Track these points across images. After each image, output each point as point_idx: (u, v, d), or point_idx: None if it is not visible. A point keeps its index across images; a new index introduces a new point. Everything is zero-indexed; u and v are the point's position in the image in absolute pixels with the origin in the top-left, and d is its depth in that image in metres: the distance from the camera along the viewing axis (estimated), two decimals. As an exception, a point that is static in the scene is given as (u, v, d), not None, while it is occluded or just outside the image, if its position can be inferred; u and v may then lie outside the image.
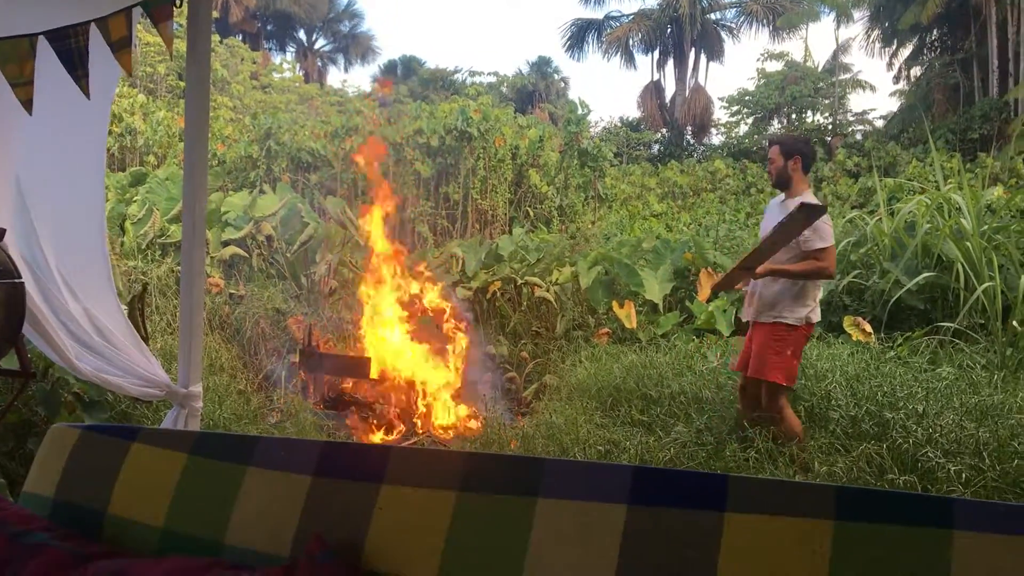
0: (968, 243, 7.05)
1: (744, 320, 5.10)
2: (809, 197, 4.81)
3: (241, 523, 1.50)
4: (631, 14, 37.72)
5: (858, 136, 27.12)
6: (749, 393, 4.96)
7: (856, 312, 7.22)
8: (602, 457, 4.85)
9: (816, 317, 4.78)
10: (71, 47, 2.75)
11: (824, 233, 4.60)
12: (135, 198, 10.46)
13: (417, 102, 19.85)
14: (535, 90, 42.57)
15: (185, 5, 3.17)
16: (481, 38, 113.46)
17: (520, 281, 8.66)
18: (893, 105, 32.26)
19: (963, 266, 6.87)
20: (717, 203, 20.46)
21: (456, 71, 44.04)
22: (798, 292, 4.70)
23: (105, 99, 3.28)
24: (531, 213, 15.18)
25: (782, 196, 4.97)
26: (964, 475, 4.05)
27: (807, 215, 4.50)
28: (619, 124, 34.15)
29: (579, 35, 38.80)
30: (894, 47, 28.36)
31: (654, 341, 7.40)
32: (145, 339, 4.55)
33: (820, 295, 4.85)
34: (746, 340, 5.10)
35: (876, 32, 28.42)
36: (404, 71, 46.04)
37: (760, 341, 4.83)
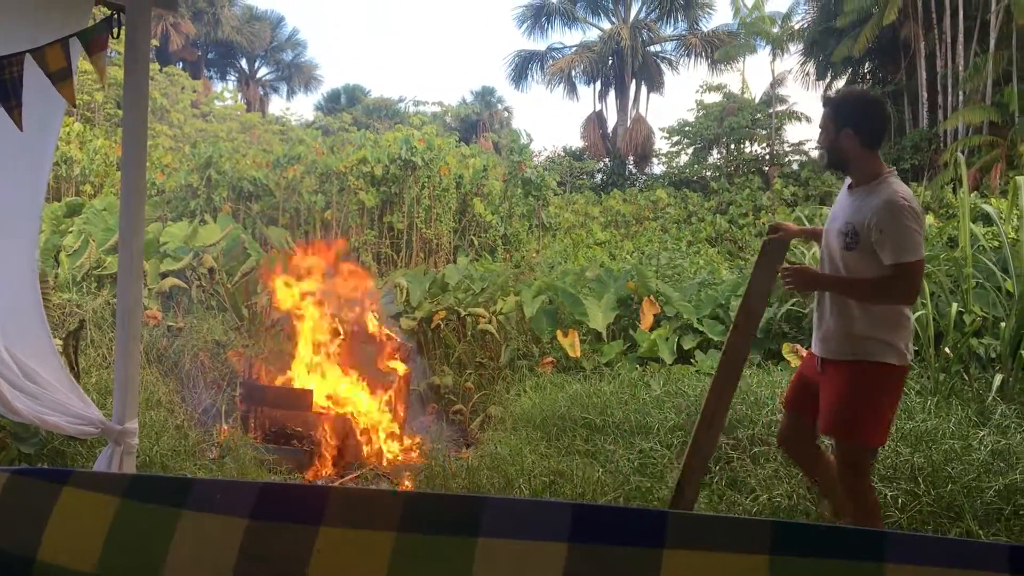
0: (900, 271, 7.22)
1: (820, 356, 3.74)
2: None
3: (176, 568, 1.46)
4: (573, 46, 38.33)
5: (795, 166, 27.74)
6: (803, 448, 3.89)
7: (794, 339, 7.35)
8: (547, 488, 4.85)
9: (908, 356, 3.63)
10: (3, 78, 2.70)
11: (910, 237, 3.35)
12: (71, 229, 10.22)
13: (361, 131, 19.83)
14: (479, 120, 42.82)
15: (123, 33, 3.14)
16: (425, 68, 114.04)
17: (464, 313, 8.64)
18: (828, 136, 33.05)
19: (896, 294, 7.04)
20: (659, 231, 20.74)
21: (400, 100, 44.16)
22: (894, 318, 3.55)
23: (48, 134, 3.21)
24: (476, 242, 15.21)
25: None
26: (900, 500, 4.14)
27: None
28: (562, 153, 34.48)
29: (522, 66, 39.22)
30: (828, 79, 29.19)
31: (598, 370, 7.43)
32: (76, 376, 4.44)
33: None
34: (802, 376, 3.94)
35: (810, 65, 29.24)
36: (348, 100, 45.94)
37: (842, 386, 3.58)
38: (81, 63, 3.31)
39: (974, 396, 5.84)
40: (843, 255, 3.55)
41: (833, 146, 3.62)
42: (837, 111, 3.63)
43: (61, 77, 2.77)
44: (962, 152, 20.06)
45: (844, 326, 3.55)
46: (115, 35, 3.05)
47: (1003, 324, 6.52)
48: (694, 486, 3.68)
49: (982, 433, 4.87)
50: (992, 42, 20.86)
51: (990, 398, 5.67)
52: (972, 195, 12.13)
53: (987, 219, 8.63)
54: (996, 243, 7.79)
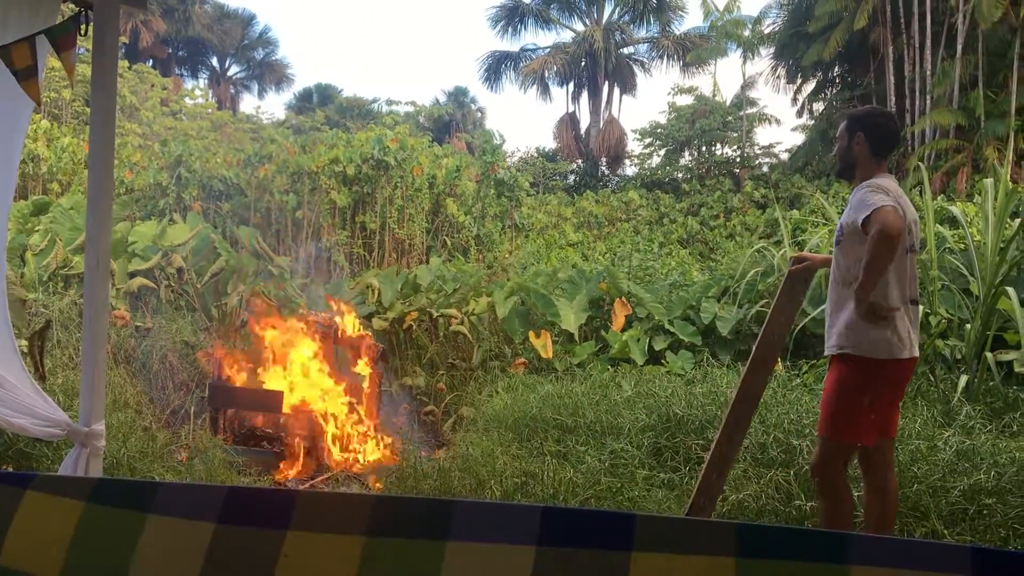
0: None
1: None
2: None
3: (141, 574, 1.44)
4: (547, 47, 38.41)
5: (765, 168, 27.97)
6: (869, 467, 3.86)
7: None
8: (518, 488, 4.85)
9: (903, 350, 3.60)
10: (-33, 75, 2.66)
11: (867, 199, 3.48)
12: (37, 228, 10.08)
13: (334, 130, 19.71)
14: (452, 120, 42.73)
15: (91, 30, 3.10)
16: (398, 67, 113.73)
17: (436, 313, 8.63)
18: (797, 139, 33.46)
19: (864, 296, 7.12)
20: (631, 233, 20.84)
21: (373, 100, 43.91)
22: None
23: (16, 131, 3.17)
24: (448, 243, 15.18)
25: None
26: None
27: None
28: (535, 155, 34.52)
29: (496, 67, 39.24)
30: (798, 83, 29.42)
31: (570, 370, 7.46)
32: (42, 377, 4.38)
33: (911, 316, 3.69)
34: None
35: (781, 68, 29.47)
36: (320, 99, 45.63)
37: (828, 380, 3.78)
38: (50, 60, 3.27)
39: (940, 397, 5.92)
40: (834, 252, 3.77)
41: (846, 152, 3.83)
42: (852, 120, 3.86)
43: (27, 75, 2.73)
44: (929, 155, 20.32)
45: (836, 319, 3.68)
46: (83, 32, 3.01)
47: (968, 326, 6.61)
48: None
49: (947, 434, 4.94)
50: (959, 47, 21.14)
51: (955, 399, 5.75)
52: (939, 198, 12.28)
53: (954, 222, 8.75)
54: (962, 246, 7.90)
